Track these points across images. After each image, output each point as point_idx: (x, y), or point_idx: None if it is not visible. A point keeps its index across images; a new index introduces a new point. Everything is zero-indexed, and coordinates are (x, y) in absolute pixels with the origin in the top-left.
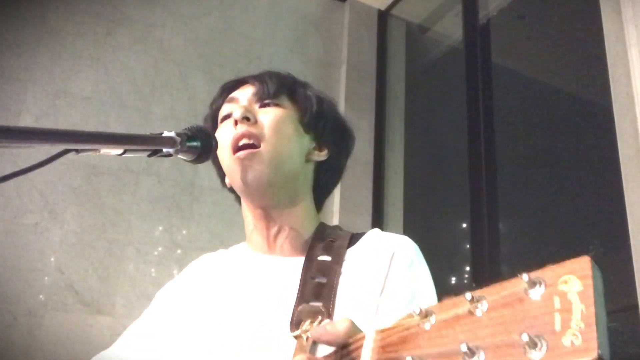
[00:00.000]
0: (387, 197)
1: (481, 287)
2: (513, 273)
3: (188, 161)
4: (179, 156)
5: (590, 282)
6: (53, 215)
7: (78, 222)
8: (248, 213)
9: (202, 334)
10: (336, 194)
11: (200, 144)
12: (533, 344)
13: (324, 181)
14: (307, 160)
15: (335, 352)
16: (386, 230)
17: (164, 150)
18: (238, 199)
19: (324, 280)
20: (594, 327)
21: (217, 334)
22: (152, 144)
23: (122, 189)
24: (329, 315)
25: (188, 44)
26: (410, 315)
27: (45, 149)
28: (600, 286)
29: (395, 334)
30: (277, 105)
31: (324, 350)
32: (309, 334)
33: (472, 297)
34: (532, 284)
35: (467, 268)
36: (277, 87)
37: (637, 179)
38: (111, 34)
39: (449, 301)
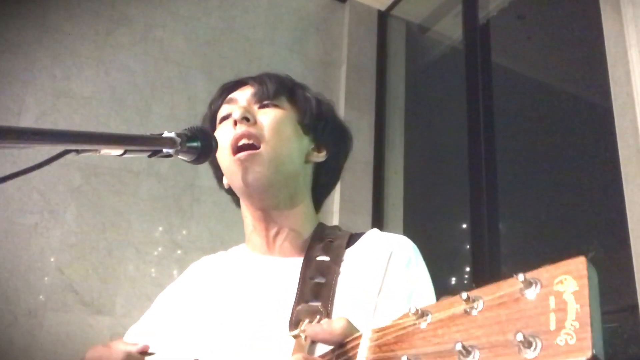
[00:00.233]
0: (387, 197)
1: (480, 287)
2: (513, 273)
3: (188, 162)
4: (179, 157)
5: (585, 282)
6: (53, 216)
7: (78, 222)
8: (247, 214)
9: (202, 334)
10: (336, 194)
11: (201, 144)
12: (528, 344)
13: (323, 182)
14: (306, 161)
15: (332, 351)
16: (386, 231)
17: (164, 150)
18: (235, 200)
19: (322, 280)
20: (589, 327)
21: (217, 335)
22: (152, 144)
23: (122, 189)
24: (328, 315)
25: (188, 44)
26: (407, 315)
27: (45, 149)
28: (596, 286)
29: (392, 333)
30: (276, 106)
31: (322, 350)
32: (307, 333)
33: (468, 297)
34: (528, 284)
35: (467, 268)
36: (277, 88)
37: (637, 179)
38: (111, 34)
39: (445, 301)
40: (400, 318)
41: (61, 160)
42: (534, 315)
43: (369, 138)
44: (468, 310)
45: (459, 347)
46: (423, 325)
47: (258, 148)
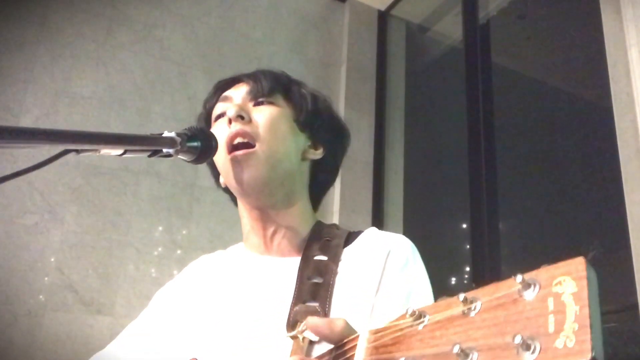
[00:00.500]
0: (387, 197)
1: (478, 288)
2: (513, 273)
3: (188, 161)
4: (179, 156)
5: (584, 283)
6: (53, 216)
7: (78, 222)
8: (245, 213)
9: (199, 334)
10: (336, 194)
11: (201, 144)
12: (526, 346)
13: (320, 179)
14: (303, 159)
15: (329, 352)
16: (386, 231)
17: (164, 150)
18: (233, 199)
19: (320, 280)
20: (588, 329)
21: (214, 334)
22: (152, 144)
23: (122, 189)
24: (326, 316)
25: (188, 44)
26: (404, 316)
27: (45, 149)
28: (595, 287)
29: (389, 334)
30: (271, 103)
31: (320, 351)
32: (305, 334)
33: (466, 298)
34: (527, 285)
35: (467, 268)
36: (272, 86)
37: (637, 179)
38: (111, 34)
39: (442, 302)
40: (397, 319)
41: (61, 160)
42: (533, 317)
43: (369, 138)
44: (466, 311)
45: (456, 349)
46: (420, 326)
47: (253, 147)
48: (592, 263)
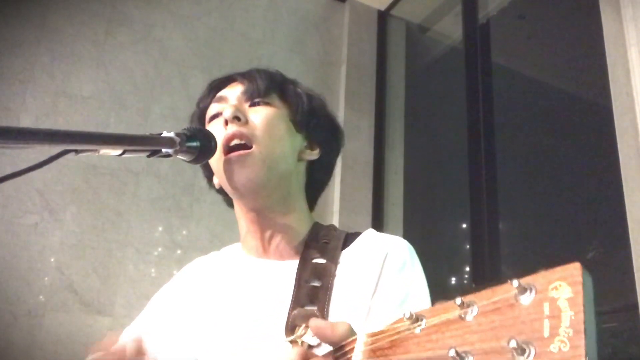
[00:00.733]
0: (387, 197)
1: (481, 288)
2: (513, 273)
3: (187, 161)
4: (179, 156)
5: (580, 288)
6: (53, 216)
7: (78, 222)
8: (241, 215)
9: (196, 337)
10: (336, 194)
11: (200, 144)
12: (521, 350)
13: (316, 179)
14: (300, 159)
15: (327, 355)
16: (386, 231)
17: (164, 150)
18: (227, 200)
19: (318, 284)
20: (582, 334)
21: (211, 337)
22: (151, 144)
23: (122, 189)
24: (324, 319)
25: (188, 44)
26: (401, 320)
27: (44, 149)
28: (591, 293)
29: (386, 338)
30: (267, 104)
31: (319, 354)
32: (304, 338)
33: (463, 302)
34: (523, 289)
35: (467, 268)
36: (267, 85)
37: (637, 179)
38: (111, 34)
39: (439, 306)
40: (394, 322)
41: (61, 160)
42: (528, 321)
43: (369, 138)
44: (462, 315)
45: (452, 353)
46: (417, 330)
47: (250, 148)
48: (590, 265)
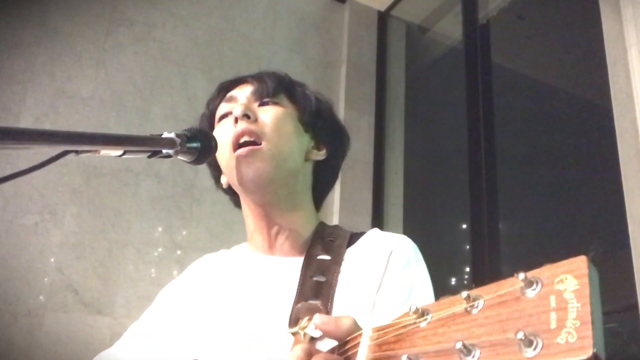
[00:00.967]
0: (387, 197)
1: (480, 287)
2: (513, 273)
3: (188, 162)
4: (179, 157)
5: (586, 281)
6: (53, 216)
7: (78, 222)
8: (248, 212)
9: (202, 333)
10: (336, 194)
11: (200, 144)
12: (528, 342)
13: (322, 180)
14: (307, 159)
15: (332, 350)
16: (386, 230)
17: (164, 151)
18: (234, 200)
19: (322, 279)
20: (590, 325)
21: (217, 334)
22: (151, 145)
23: (122, 189)
24: (327, 313)
25: (188, 44)
26: (407, 314)
27: (45, 150)
28: (597, 286)
29: (392, 332)
30: (276, 103)
31: (321, 348)
32: (307, 330)
33: (469, 296)
34: (529, 283)
35: (467, 268)
36: (276, 86)
37: (637, 179)
38: (111, 34)
39: (445, 300)
40: (400, 317)
41: (61, 161)
42: (535, 314)
43: (369, 138)
44: (469, 309)
45: (459, 345)
46: (423, 324)
47: (259, 145)
48: (592, 263)
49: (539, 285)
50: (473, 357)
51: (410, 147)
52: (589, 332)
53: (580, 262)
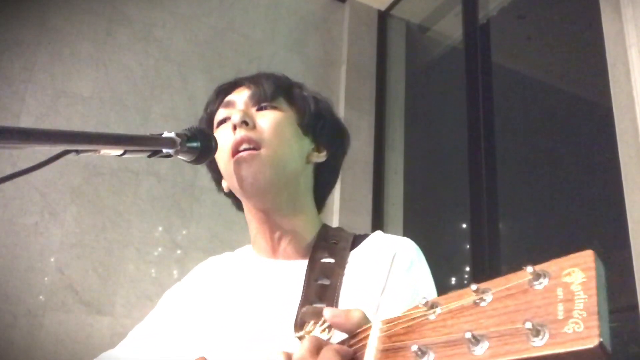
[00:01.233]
0: (387, 197)
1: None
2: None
3: (188, 162)
4: (179, 157)
5: (593, 274)
6: (53, 216)
7: (78, 222)
8: (250, 217)
9: (207, 336)
10: (336, 194)
11: (200, 144)
12: (536, 332)
13: (323, 181)
14: (307, 162)
15: (342, 342)
16: (386, 230)
17: (164, 150)
18: (236, 203)
19: (327, 282)
20: (596, 316)
21: (222, 337)
22: (152, 144)
23: (122, 189)
24: None
25: (188, 44)
26: (416, 307)
27: (45, 149)
28: (603, 279)
29: (401, 324)
30: (275, 108)
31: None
32: (312, 334)
33: (478, 288)
34: (537, 276)
35: (467, 268)
36: (274, 89)
37: (637, 179)
38: (111, 34)
39: (454, 293)
40: (409, 310)
41: (61, 160)
42: (542, 305)
43: (369, 138)
44: (477, 301)
45: (468, 335)
46: (432, 316)
47: (258, 150)
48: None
49: (547, 278)
50: (482, 347)
51: (410, 147)
52: (596, 322)
53: (587, 256)
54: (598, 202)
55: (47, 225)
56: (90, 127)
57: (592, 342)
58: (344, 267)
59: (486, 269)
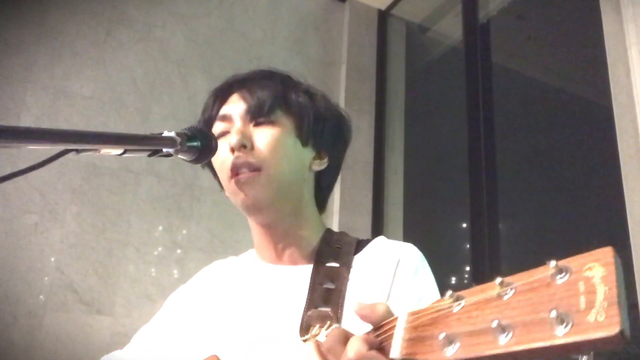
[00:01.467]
0: (387, 197)
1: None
2: (514, 273)
3: (188, 161)
4: (179, 156)
5: (613, 268)
6: (53, 215)
7: (78, 222)
8: (254, 226)
9: (211, 340)
10: (336, 194)
11: (200, 144)
12: (560, 321)
13: (325, 183)
14: (309, 171)
15: (368, 333)
16: (386, 230)
17: (164, 150)
18: None
19: (332, 286)
20: (617, 306)
21: (227, 340)
22: (152, 144)
23: (122, 189)
24: (338, 320)
25: (188, 44)
26: (441, 300)
27: (45, 149)
28: (622, 273)
29: (426, 315)
30: (272, 123)
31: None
32: (318, 338)
33: (502, 282)
34: (559, 270)
35: (467, 268)
36: (271, 103)
37: (637, 179)
38: (111, 34)
39: (478, 287)
40: (434, 303)
41: (61, 160)
42: (565, 297)
43: (369, 138)
44: (501, 294)
45: (495, 324)
46: (457, 308)
47: (259, 171)
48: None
49: (568, 273)
50: (507, 335)
51: (410, 147)
52: (617, 312)
53: (607, 252)
54: (598, 202)
55: (47, 225)
56: (90, 127)
57: (613, 330)
58: (349, 272)
59: (486, 269)
